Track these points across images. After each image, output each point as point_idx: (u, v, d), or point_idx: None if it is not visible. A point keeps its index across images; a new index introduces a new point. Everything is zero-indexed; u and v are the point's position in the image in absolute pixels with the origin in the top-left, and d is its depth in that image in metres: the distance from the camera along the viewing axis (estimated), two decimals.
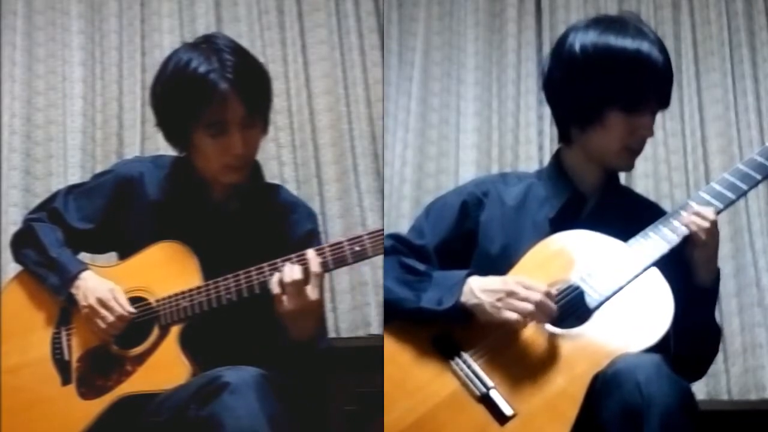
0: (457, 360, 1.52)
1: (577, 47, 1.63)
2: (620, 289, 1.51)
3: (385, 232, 1.63)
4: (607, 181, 1.73)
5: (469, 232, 1.73)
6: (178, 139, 1.75)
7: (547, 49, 2.66)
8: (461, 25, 3.05)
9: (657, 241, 1.55)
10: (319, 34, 2.92)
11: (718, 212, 1.55)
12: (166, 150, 1.88)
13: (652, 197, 2.28)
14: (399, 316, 1.60)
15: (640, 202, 1.83)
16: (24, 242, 1.83)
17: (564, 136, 1.75)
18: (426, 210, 1.81)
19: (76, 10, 2.88)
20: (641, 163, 2.77)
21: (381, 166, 2.86)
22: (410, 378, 1.53)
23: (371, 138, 2.88)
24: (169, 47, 1.95)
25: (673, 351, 1.51)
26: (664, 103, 1.67)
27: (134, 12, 2.90)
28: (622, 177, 1.87)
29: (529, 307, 1.47)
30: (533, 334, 1.50)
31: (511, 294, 1.49)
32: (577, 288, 1.54)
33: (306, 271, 1.57)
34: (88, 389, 1.66)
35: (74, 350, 1.72)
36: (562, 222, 1.67)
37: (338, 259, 1.60)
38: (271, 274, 1.60)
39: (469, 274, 1.57)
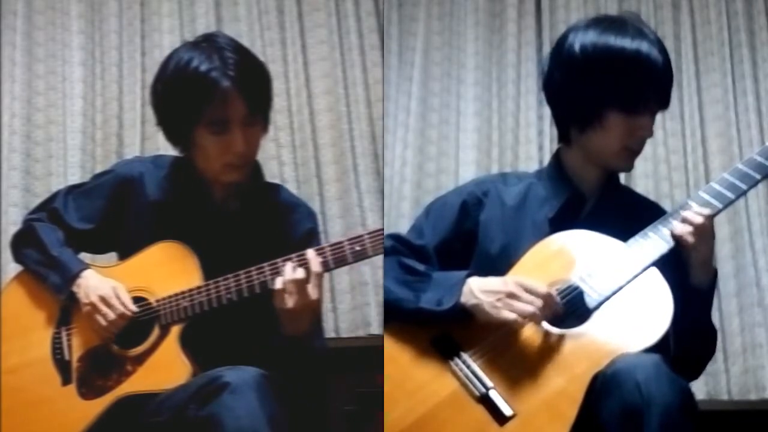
0: (457, 360, 1.52)
1: (576, 47, 1.63)
2: (620, 289, 1.51)
3: (385, 232, 1.63)
4: (606, 181, 1.73)
5: (468, 232, 1.73)
6: (179, 138, 1.75)
7: (547, 49, 2.67)
8: (461, 25, 3.05)
9: (656, 241, 1.55)
10: (319, 34, 2.92)
11: (718, 212, 1.55)
12: (166, 150, 1.88)
13: (652, 197, 2.28)
14: (399, 317, 1.61)
15: (639, 202, 1.83)
16: (24, 242, 1.83)
17: (564, 137, 1.75)
18: (426, 210, 1.82)
19: (76, 10, 2.89)
20: (641, 163, 2.77)
21: (381, 166, 2.87)
22: (410, 378, 1.53)
23: (371, 138, 2.88)
24: (169, 47, 1.95)
25: (674, 351, 1.51)
26: (663, 103, 1.66)
27: (134, 12, 2.90)
28: (622, 177, 1.87)
29: (529, 308, 1.47)
30: (533, 335, 1.50)
31: (510, 295, 1.49)
32: (577, 288, 1.54)
33: (307, 270, 1.58)
34: (89, 389, 1.66)
35: (74, 350, 1.72)
36: (561, 222, 1.67)
37: (338, 258, 1.60)
38: (272, 274, 1.60)
39: (468, 275, 1.57)
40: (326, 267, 1.60)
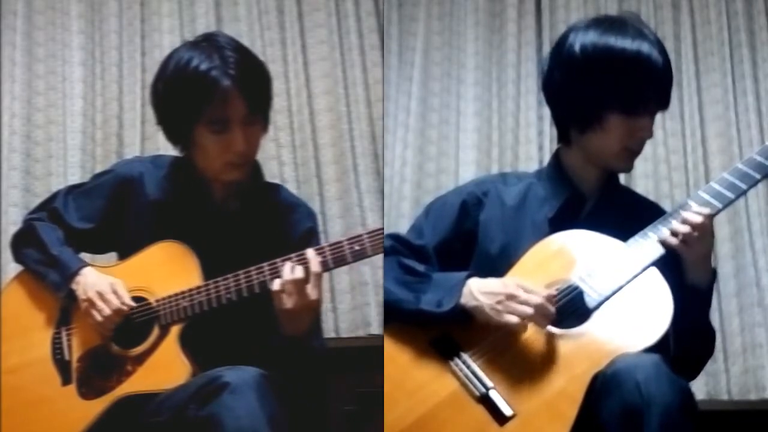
0: (457, 360, 1.52)
1: (576, 48, 1.63)
2: (619, 289, 1.51)
3: (385, 232, 1.63)
4: (606, 181, 1.73)
5: (468, 232, 1.73)
6: (179, 138, 1.75)
7: (547, 49, 2.66)
8: (461, 25, 3.05)
9: (656, 241, 1.55)
10: (319, 34, 2.92)
11: (718, 212, 1.55)
12: (166, 150, 1.88)
13: (652, 197, 2.28)
14: (398, 318, 1.61)
15: (639, 202, 1.83)
16: (24, 242, 1.83)
17: (563, 137, 1.75)
18: (426, 210, 1.82)
19: (76, 10, 2.88)
20: (641, 163, 2.77)
21: (381, 166, 2.86)
22: (410, 378, 1.53)
23: (371, 138, 2.88)
24: (169, 47, 1.95)
25: (673, 351, 1.51)
26: (663, 104, 1.66)
27: (134, 12, 2.90)
28: (622, 177, 1.87)
29: (529, 310, 1.47)
30: (533, 335, 1.50)
31: (511, 297, 1.49)
32: (577, 288, 1.54)
33: (307, 270, 1.58)
34: (89, 389, 1.66)
35: (74, 350, 1.72)
36: (561, 222, 1.67)
37: (338, 258, 1.60)
38: (271, 274, 1.60)
39: (468, 276, 1.57)
40: (326, 267, 1.60)
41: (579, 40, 1.64)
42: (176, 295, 1.67)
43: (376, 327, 2.73)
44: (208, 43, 1.70)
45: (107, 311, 1.66)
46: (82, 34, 2.87)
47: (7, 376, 1.70)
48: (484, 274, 1.58)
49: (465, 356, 1.52)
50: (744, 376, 2.69)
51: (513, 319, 1.48)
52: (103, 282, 1.70)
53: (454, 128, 2.98)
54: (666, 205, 2.01)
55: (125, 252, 1.79)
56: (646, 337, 1.43)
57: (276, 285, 1.57)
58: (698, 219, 1.52)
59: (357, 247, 1.60)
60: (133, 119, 2.82)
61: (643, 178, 2.81)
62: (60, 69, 2.85)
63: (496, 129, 2.94)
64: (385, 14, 2.97)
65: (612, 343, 1.45)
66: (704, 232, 1.53)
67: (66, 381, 1.69)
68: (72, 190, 1.89)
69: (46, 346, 1.73)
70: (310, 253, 1.60)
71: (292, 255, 1.60)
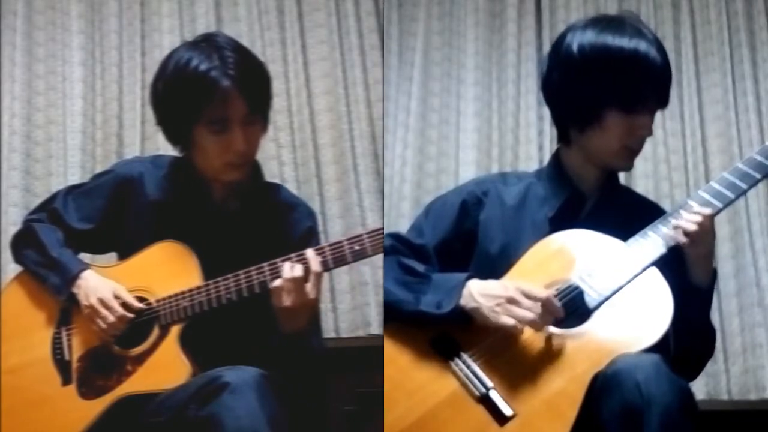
0: (457, 360, 1.52)
1: (574, 47, 1.63)
2: (620, 288, 1.51)
3: (385, 231, 1.63)
4: (606, 181, 1.73)
5: (468, 232, 1.73)
6: (179, 138, 1.75)
7: (547, 49, 2.65)
8: (461, 25, 3.05)
9: (656, 240, 1.55)
10: (319, 34, 2.92)
11: (718, 211, 1.55)
12: (166, 150, 1.88)
13: (652, 197, 2.28)
14: (398, 318, 1.60)
15: (639, 201, 1.83)
16: (24, 243, 1.83)
17: (563, 137, 1.75)
18: (426, 209, 1.82)
19: (76, 10, 2.88)
20: (641, 163, 2.78)
21: (381, 166, 2.86)
22: (410, 378, 1.53)
23: (371, 138, 2.88)
24: (169, 47, 1.95)
25: (673, 351, 1.51)
26: (662, 102, 1.66)
27: (134, 12, 2.90)
28: (622, 177, 1.87)
29: (528, 314, 1.47)
30: (533, 335, 1.50)
31: (510, 300, 1.49)
32: (577, 287, 1.54)
33: (306, 268, 1.58)
34: (89, 389, 1.66)
35: (74, 350, 1.72)
36: (561, 221, 1.67)
37: (338, 258, 1.60)
38: (271, 274, 1.60)
39: (468, 278, 1.57)
40: (326, 267, 1.60)
41: (577, 40, 1.64)
42: (176, 295, 1.67)
43: (376, 327, 2.73)
44: (208, 43, 1.70)
45: (111, 319, 1.66)
46: (82, 34, 2.87)
47: (8, 376, 1.70)
48: (484, 274, 1.58)
49: (465, 356, 1.52)
50: (744, 376, 2.69)
51: (511, 321, 1.47)
52: (105, 288, 1.70)
53: (454, 128, 2.98)
54: (666, 205, 2.01)
55: (125, 252, 1.79)
56: (646, 337, 1.43)
57: (275, 283, 1.57)
58: (699, 219, 1.52)
59: (357, 247, 1.60)
60: (133, 119, 2.82)
61: (643, 178, 2.81)
62: (60, 69, 2.85)
63: (496, 129, 2.94)
64: (385, 14, 2.97)
65: (612, 343, 1.45)
66: (705, 232, 1.52)
67: (66, 381, 1.69)
68: (72, 190, 1.89)
69: (46, 346, 1.73)
70: (310, 253, 1.60)
71: (292, 255, 1.60)
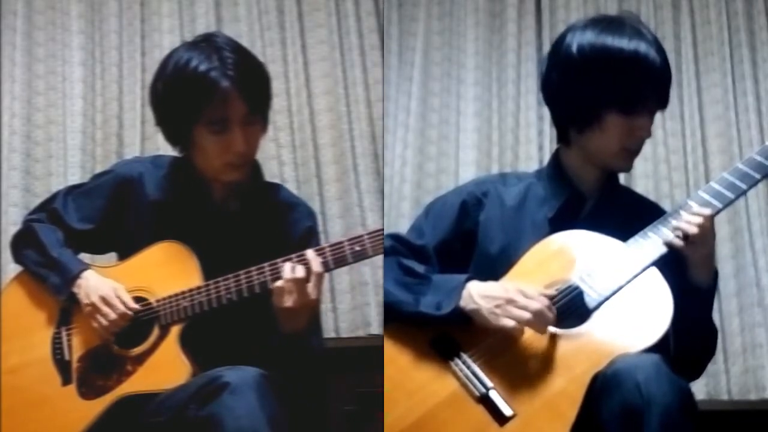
0: (457, 361, 1.52)
1: (574, 48, 1.63)
2: (619, 289, 1.51)
3: (385, 232, 1.63)
4: (606, 181, 1.73)
5: (468, 232, 1.73)
6: (179, 138, 1.75)
7: (547, 49, 2.66)
8: (461, 25, 3.05)
9: (656, 241, 1.55)
10: (319, 34, 2.92)
11: (718, 212, 1.55)
12: (166, 150, 1.88)
13: (652, 197, 2.28)
14: (398, 319, 1.60)
15: (639, 202, 1.83)
16: (24, 243, 1.83)
17: (562, 137, 1.75)
18: (426, 210, 1.82)
19: (76, 10, 2.89)
20: (641, 163, 2.78)
21: (381, 166, 2.87)
22: (410, 378, 1.53)
23: (371, 138, 2.88)
24: (169, 47, 1.95)
25: (673, 351, 1.51)
26: (662, 103, 1.66)
27: (134, 12, 2.90)
28: (622, 177, 1.87)
29: (527, 315, 1.47)
30: (533, 335, 1.50)
31: (510, 301, 1.49)
32: (577, 288, 1.54)
33: (307, 269, 1.58)
34: (89, 389, 1.66)
35: (74, 350, 1.72)
36: (561, 222, 1.67)
37: (338, 258, 1.61)
38: (271, 274, 1.60)
39: (468, 279, 1.57)
40: (326, 267, 1.60)
41: (576, 41, 1.64)
42: (176, 295, 1.67)
43: (376, 327, 2.73)
44: (207, 43, 1.70)
45: (113, 316, 1.66)
46: (82, 34, 2.87)
47: (8, 376, 1.70)
48: (484, 274, 1.58)
49: (465, 356, 1.52)
50: (744, 376, 2.69)
51: (511, 323, 1.47)
52: (106, 286, 1.70)
53: (454, 128, 2.98)
54: (666, 205, 2.01)
55: (125, 252, 1.79)
56: (646, 337, 1.43)
57: (277, 283, 1.57)
58: (699, 220, 1.52)
59: (357, 248, 1.60)
60: (133, 119, 2.82)
61: (643, 178, 2.81)
62: (60, 69, 2.85)
63: (496, 129, 2.94)
64: (385, 14, 2.97)
65: (612, 343, 1.45)
66: (705, 232, 1.52)
67: (66, 381, 1.69)
68: (72, 190, 1.89)
69: (46, 346, 1.73)
70: (311, 253, 1.60)
71: (293, 255, 1.60)
